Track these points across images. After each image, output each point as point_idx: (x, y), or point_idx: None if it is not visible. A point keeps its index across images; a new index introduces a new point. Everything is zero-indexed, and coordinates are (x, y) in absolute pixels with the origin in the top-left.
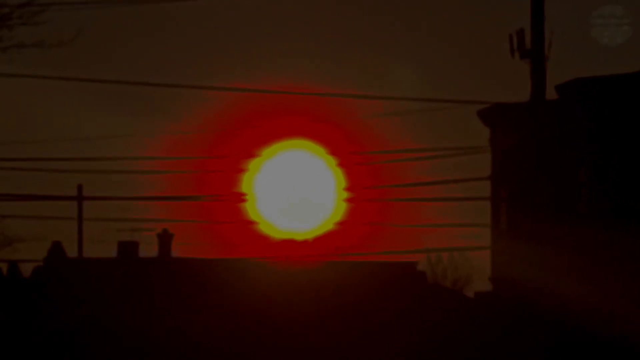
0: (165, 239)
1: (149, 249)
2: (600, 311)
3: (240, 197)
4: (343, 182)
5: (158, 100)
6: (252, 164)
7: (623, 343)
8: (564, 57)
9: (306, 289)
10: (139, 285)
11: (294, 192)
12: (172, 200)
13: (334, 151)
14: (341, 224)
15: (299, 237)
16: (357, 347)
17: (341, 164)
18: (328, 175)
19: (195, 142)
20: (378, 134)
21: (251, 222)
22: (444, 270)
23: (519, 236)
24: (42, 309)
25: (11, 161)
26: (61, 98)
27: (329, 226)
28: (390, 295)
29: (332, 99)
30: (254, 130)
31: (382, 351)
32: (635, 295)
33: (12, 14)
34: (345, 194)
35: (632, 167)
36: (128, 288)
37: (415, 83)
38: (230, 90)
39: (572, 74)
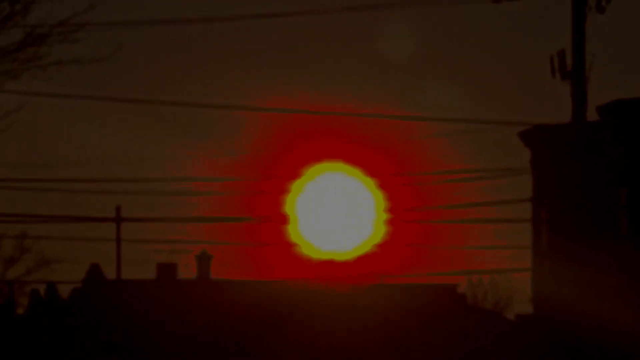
0: (204, 260)
1: (188, 271)
2: None
3: (282, 219)
4: (383, 204)
5: (198, 121)
6: (294, 185)
7: None
8: (606, 78)
9: (346, 312)
10: (178, 307)
11: (336, 213)
12: (211, 222)
13: (375, 172)
14: (381, 245)
15: (339, 258)
16: None
17: (382, 186)
18: (369, 197)
19: (236, 164)
20: (419, 155)
21: (291, 244)
22: (485, 293)
23: (560, 257)
24: (81, 330)
25: (49, 182)
26: (99, 118)
27: (369, 248)
28: (430, 317)
29: (374, 119)
30: (298, 151)
31: None
32: None
33: (51, 32)
34: (385, 216)
35: None
36: (167, 310)
37: (457, 104)
38: (272, 110)
39: (613, 95)
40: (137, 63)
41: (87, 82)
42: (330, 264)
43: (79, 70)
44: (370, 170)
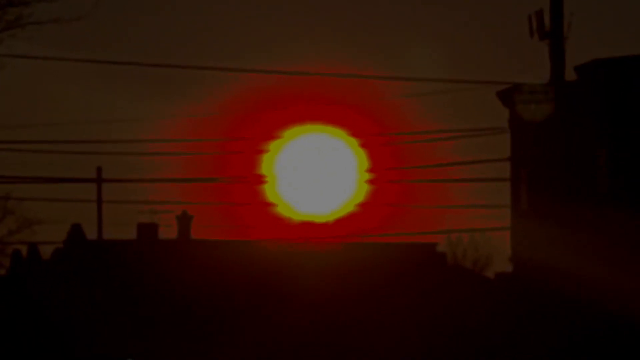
0: (184, 221)
1: (168, 231)
2: (619, 292)
3: (260, 179)
4: (365, 164)
5: (177, 82)
6: (273, 146)
7: None
8: (583, 38)
9: (325, 271)
10: (159, 267)
11: (315, 173)
12: (191, 183)
13: (355, 133)
14: (362, 205)
15: (319, 220)
16: (376, 327)
17: (363, 145)
18: (350, 157)
19: (215, 125)
20: (399, 115)
21: (270, 204)
22: (464, 251)
23: (539, 217)
24: (62, 290)
25: (30, 144)
26: (78, 80)
27: (350, 208)
28: (410, 276)
29: (353, 80)
30: (274, 112)
31: (402, 332)
32: None
33: None
34: (366, 176)
35: None
36: (148, 269)
37: (435, 64)
38: (251, 72)
39: (591, 55)
40: (115, 22)
41: (68, 43)
42: (310, 225)
43: (59, 30)
44: (350, 130)
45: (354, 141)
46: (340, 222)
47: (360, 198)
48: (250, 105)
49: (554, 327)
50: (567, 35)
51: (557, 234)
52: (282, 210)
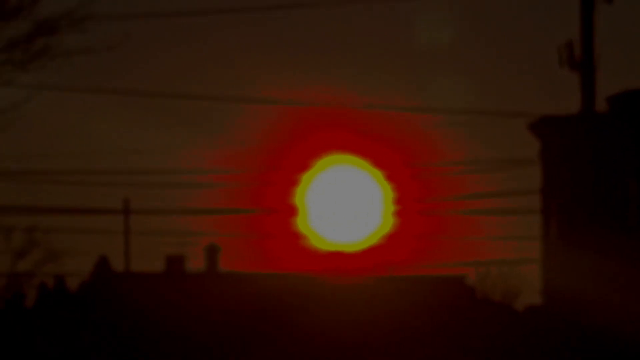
0: (212, 252)
1: (196, 263)
2: None
3: (290, 211)
4: (392, 195)
5: (207, 114)
6: (303, 177)
7: None
8: (614, 68)
9: (353, 304)
10: (186, 300)
11: (344, 205)
12: (220, 214)
13: (383, 164)
14: (390, 237)
15: (348, 250)
16: None
17: (390, 177)
18: (377, 189)
19: (245, 156)
20: (428, 147)
21: (299, 236)
22: (493, 284)
23: (569, 248)
24: (89, 323)
25: (56, 174)
26: (108, 111)
27: (378, 239)
28: (439, 309)
29: (381, 111)
30: (305, 143)
31: None
32: None
33: (60, 22)
34: (394, 207)
35: None
36: (176, 302)
37: (465, 95)
38: (279, 103)
39: (622, 85)
40: (145, 54)
41: (96, 74)
42: (338, 256)
43: (87, 62)
44: (378, 162)
45: (382, 173)
46: (369, 253)
47: (388, 229)
48: (279, 137)
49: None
50: (597, 65)
51: (588, 266)
52: (311, 241)
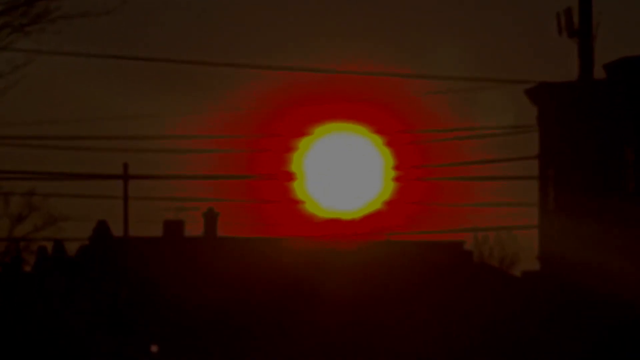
0: (210, 218)
1: (194, 228)
2: None
3: (288, 177)
4: (391, 162)
5: (204, 79)
6: (301, 143)
7: None
8: (612, 36)
9: (351, 269)
10: (185, 264)
11: (342, 171)
12: (218, 179)
13: (381, 130)
14: (388, 203)
15: (346, 217)
16: (402, 325)
17: (389, 143)
18: (376, 155)
19: (243, 121)
20: (426, 113)
21: (297, 202)
22: (491, 250)
23: (566, 215)
24: (88, 287)
25: (56, 140)
26: (107, 76)
27: (377, 206)
28: (437, 274)
29: (380, 78)
30: (303, 109)
31: (428, 329)
32: None
33: None
34: (393, 174)
35: None
36: (174, 267)
37: (463, 62)
38: (278, 69)
39: (620, 53)
40: (144, 18)
41: (95, 39)
42: (336, 222)
43: (87, 26)
44: (377, 128)
45: (380, 139)
46: (367, 219)
47: (387, 196)
48: (277, 103)
49: (581, 325)
50: (595, 33)
51: (585, 232)
52: (309, 207)
